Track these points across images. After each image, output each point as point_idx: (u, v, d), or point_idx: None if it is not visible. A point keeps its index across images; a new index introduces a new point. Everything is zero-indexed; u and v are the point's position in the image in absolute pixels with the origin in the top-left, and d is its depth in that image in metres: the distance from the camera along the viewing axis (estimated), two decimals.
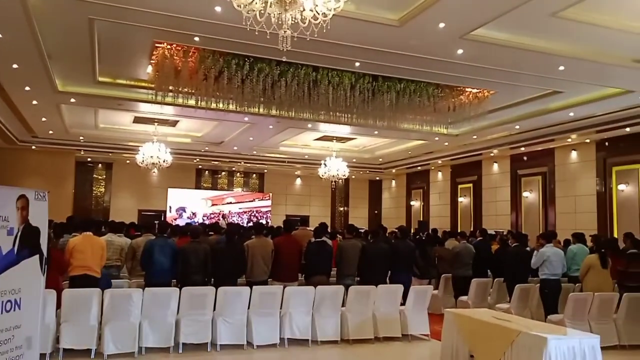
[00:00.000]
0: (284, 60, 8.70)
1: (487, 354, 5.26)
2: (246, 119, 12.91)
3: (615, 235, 11.98)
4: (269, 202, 21.70)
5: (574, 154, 14.52)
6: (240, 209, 21.37)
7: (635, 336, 7.32)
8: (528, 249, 9.07)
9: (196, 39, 7.95)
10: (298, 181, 22.80)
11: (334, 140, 16.56)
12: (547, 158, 15.28)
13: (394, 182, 23.33)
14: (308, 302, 6.96)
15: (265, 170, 21.67)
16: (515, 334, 4.93)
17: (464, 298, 9.05)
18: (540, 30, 7.44)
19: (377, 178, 23.66)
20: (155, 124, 14.06)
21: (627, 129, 12.23)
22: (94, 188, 19.74)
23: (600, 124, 12.23)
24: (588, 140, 13.83)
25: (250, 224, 18.00)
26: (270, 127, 13.99)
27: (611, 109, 11.21)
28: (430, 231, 14.01)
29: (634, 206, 12.86)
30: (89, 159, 19.08)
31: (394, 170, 21.58)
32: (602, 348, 4.84)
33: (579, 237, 9.19)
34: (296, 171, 21.67)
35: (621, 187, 13.20)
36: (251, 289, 6.73)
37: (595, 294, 7.31)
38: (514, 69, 8.89)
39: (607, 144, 13.53)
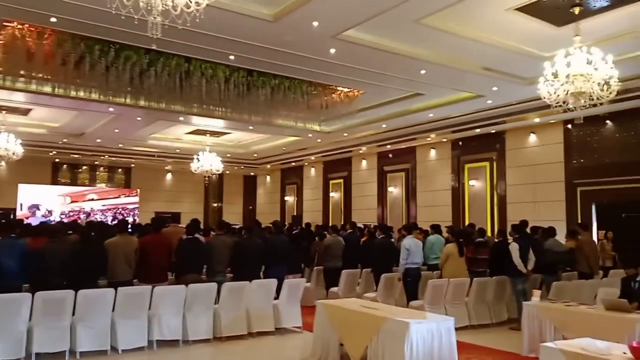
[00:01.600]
0: (153, 48, 8.28)
1: (356, 341, 5.51)
2: (111, 109, 12.07)
3: (466, 226, 13.23)
4: (136, 199, 20.57)
5: (432, 152, 15.77)
6: (104, 206, 19.99)
7: (483, 316, 8.18)
8: (393, 240, 9.67)
9: (53, 19, 7.23)
10: (169, 176, 21.91)
11: (208, 135, 16.17)
12: (409, 155, 16.42)
13: (268, 177, 23.45)
14: (179, 301, 6.71)
15: (133, 165, 20.50)
16: (381, 320, 5.22)
17: (334, 289, 9.38)
18: (404, 35, 7.93)
19: (252, 173, 23.60)
20: (4, 112, 12.60)
21: (477, 130, 13.58)
22: None
23: (455, 125, 13.42)
24: (445, 140, 15.11)
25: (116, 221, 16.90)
26: (138, 118, 13.25)
27: (464, 111, 12.35)
28: (304, 225, 14.31)
29: (482, 199, 14.34)
30: None
31: (268, 166, 21.68)
32: (456, 329, 5.31)
33: (436, 229, 10.00)
34: (167, 166, 20.79)
35: (472, 182, 14.64)
36: (116, 290, 6.32)
37: (450, 279, 8.01)
38: (381, 71, 9.39)
39: (460, 143, 14.90)
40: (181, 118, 13.32)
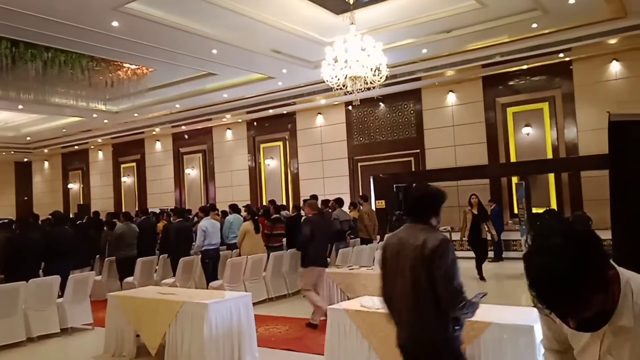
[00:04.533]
0: None
1: (153, 330, 5.30)
2: None
3: (265, 203, 13.72)
4: None
5: (229, 133, 15.85)
6: None
7: (279, 288, 8.60)
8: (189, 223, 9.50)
9: None
10: None
11: None
12: (206, 136, 16.25)
13: (46, 163, 20.88)
14: None
15: None
16: (179, 305, 5.11)
17: (129, 279, 8.85)
18: (192, 12, 7.74)
19: (26, 159, 20.75)
20: None
21: (270, 111, 14.07)
22: None
23: (249, 106, 13.70)
24: (240, 120, 15.32)
25: None
26: None
27: (257, 92, 12.67)
28: (92, 214, 13.16)
29: (278, 177, 14.98)
30: None
31: (46, 150, 19.30)
32: (255, 303, 5.47)
33: (234, 208, 10.13)
34: None
35: (267, 161, 15.16)
36: None
37: (248, 256, 8.22)
38: (170, 48, 9.04)
39: (255, 124, 15.27)
40: None
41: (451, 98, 12.35)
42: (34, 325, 6.45)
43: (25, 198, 20.92)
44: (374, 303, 4.34)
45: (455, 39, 9.59)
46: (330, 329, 4.50)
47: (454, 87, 12.25)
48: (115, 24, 7.77)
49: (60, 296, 6.86)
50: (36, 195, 21.17)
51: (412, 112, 12.87)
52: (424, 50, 10.18)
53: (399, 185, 12.56)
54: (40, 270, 7.35)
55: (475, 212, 8.94)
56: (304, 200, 9.64)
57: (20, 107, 12.82)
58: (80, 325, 6.98)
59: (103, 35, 8.23)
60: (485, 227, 9.00)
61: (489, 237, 9.22)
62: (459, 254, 2.87)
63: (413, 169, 12.81)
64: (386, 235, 2.86)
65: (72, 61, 9.53)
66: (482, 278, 8.68)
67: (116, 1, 7.05)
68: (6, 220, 9.58)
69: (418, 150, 12.72)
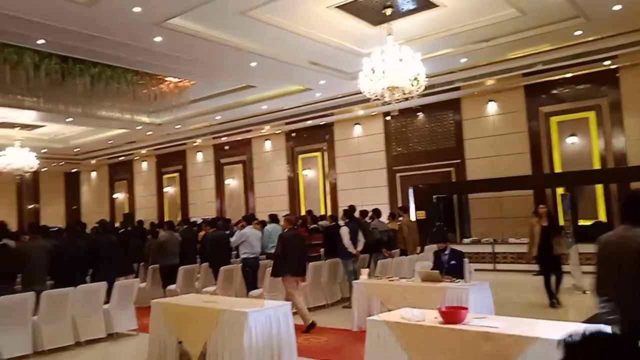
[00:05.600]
0: None
1: (195, 337, 5.40)
2: None
3: (303, 213, 13.78)
4: None
5: (268, 144, 16.05)
6: None
7: (318, 298, 8.58)
8: (228, 232, 9.64)
9: None
10: None
11: (17, 128, 14.33)
12: (245, 147, 16.51)
13: (94, 174, 21.64)
14: None
15: None
16: (220, 313, 5.18)
17: (172, 287, 9.05)
18: (232, 26, 7.92)
19: (74, 170, 21.54)
20: None
21: (309, 122, 14.18)
22: None
23: (288, 117, 13.85)
24: (279, 131, 15.49)
25: None
26: None
27: (296, 103, 12.80)
28: (136, 223, 13.54)
29: (316, 187, 15.05)
30: None
31: (93, 161, 20.01)
32: (294, 313, 5.50)
33: (273, 218, 10.21)
34: None
35: (305, 172, 15.26)
36: None
37: None
38: (211, 62, 9.26)
39: (293, 134, 15.41)
40: None
41: (492, 107, 12.15)
42: (81, 330, 6.68)
43: (74, 207, 21.72)
44: (414, 315, 4.30)
45: (494, 48, 9.46)
46: (369, 340, 4.47)
47: (494, 97, 12.05)
48: (158, 39, 8.03)
49: (106, 302, 7.07)
50: (84, 205, 21.95)
51: (451, 121, 12.72)
52: (463, 60, 10.08)
53: (439, 195, 12.41)
54: (88, 277, 7.61)
55: (544, 223, 7.67)
56: (343, 210, 9.64)
57: (69, 120, 13.37)
58: (125, 331, 7.18)
59: (147, 51, 8.51)
60: (558, 241, 7.65)
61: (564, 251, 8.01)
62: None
63: (453, 180, 12.63)
64: (604, 235, 3.05)
65: (117, 76, 9.90)
66: (556, 302, 7.52)
67: (159, 17, 7.29)
68: (56, 229, 9.96)
69: (458, 161, 12.54)
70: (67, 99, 10.34)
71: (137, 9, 6.90)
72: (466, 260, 6.50)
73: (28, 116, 12.83)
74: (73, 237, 7.85)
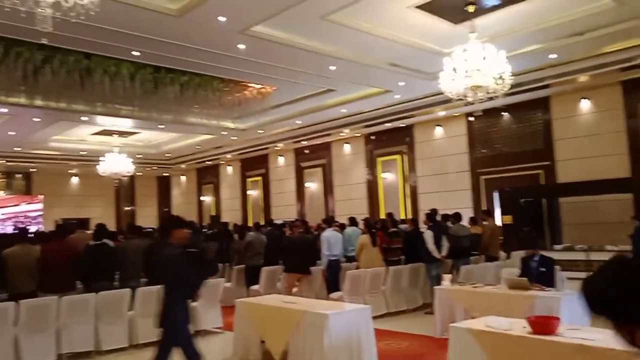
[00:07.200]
0: (48, 44, 7.75)
1: (277, 337, 5.51)
2: (4, 110, 11.15)
3: (383, 217, 13.65)
4: (39, 206, 19.20)
5: (347, 147, 16.09)
6: (2, 215, 18.46)
7: (399, 303, 8.48)
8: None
9: None
10: (75, 180, 20.66)
11: (115, 135, 15.41)
12: (325, 151, 16.65)
13: (183, 177, 22.80)
14: (88, 310, 6.37)
15: (33, 170, 19.09)
16: (301, 314, 5.26)
17: (255, 287, 9.31)
18: (312, 31, 8.01)
19: (166, 174, 22.83)
20: None
21: (388, 124, 14.04)
22: None
23: (367, 120, 13.79)
24: (358, 134, 15.48)
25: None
26: (36, 119, 12.33)
27: (375, 106, 12.72)
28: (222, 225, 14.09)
29: (396, 191, 14.87)
30: None
31: (183, 166, 21.08)
32: (374, 317, 5.46)
33: (352, 221, 10.23)
34: (71, 169, 19.58)
35: (385, 175, 15.13)
36: (17, 303, 5.87)
37: (367, 270, 8.23)
38: (292, 67, 9.43)
39: (373, 137, 15.34)
40: (84, 118, 12.57)
41: (585, 105, 11.38)
42: None
43: (165, 209, 22.99)
44: (501, 324, 4.12)
45: (588, 42, 8.84)
46: (452, 347, 4.34)
47: (587, 94, 11.28)
48: (241, 46, 8.31)
49: (194, 300, 7.39)
50: (175, 207, 23.17)
51: (540, 121, 12.07)
52: (553, 56, 9.52)
53: (527, 199, 11.82)
54: None
55: None
56: (427, 214, 9.43)
57: (160, 126, 14.19)
58: (211, 328, 7.48)
59: (231, 58, 8.83)
60: None
61: None
62: None
63: (542, 182, 11.97)
64: None
65: (205, 83, 10.36)
66: None
67: (243, 25, 7.54)
68: (150, 229, 10.59)
69: (548, 162, 11.86)
70: (159, 107, 10.98)
71: (222, 19, 7.19)
72: (557, 267, 6.15)
73: (124, 124, 13.77)
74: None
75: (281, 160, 18.22)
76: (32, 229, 16.64)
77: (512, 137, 12.46)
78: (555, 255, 6.74)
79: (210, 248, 9.75)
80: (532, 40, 8.85)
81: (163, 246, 4.63)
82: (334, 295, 8.18)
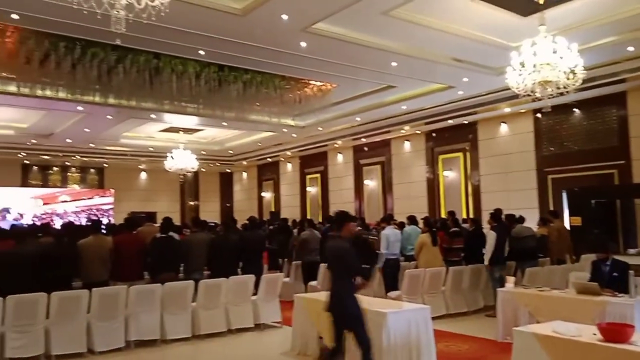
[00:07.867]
0: (119, 44, 8.14)
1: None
2: (80, 108, 11.82)
3: (443, 216, 13.38)
4: (110, 199, 20.23)
5: (407, 144, 15.87)
6: (77, 207, 19.60)
7: (459, 304, 8.28)
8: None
9: (14, 16, 7.04)
10: (143, 175, 21.60)
11: (181, 132, 15.99)
12: (384, 148, 16.50)
13: (245, 174, 23.31)
14: (155, 300, 6.65)
15: (106, 165, 20.15)
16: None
17: (313, 283, 9.38)
18: (373, 27, 7.95)
19: (228, 170, 23.43)
20: None
21: (450, 121, 13.72)
22: None
23: (428, 117, 13.52)
24: (419, 132, 15.23)
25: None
26: (109, 117, 13.01)
27: (436, 102, 12.45)
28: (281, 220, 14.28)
29: (457, 189, 14.51)
30: None
31: (244, 162, 21.55)
32: (434, 318, 5.37)
33: (412, 220, 10.08)
34: (140, 165, 20.50)
35: (446, 173, 14.80)
36: (91, 291, 6.22)
37: (426, 269, 8.09)
38: (352, 64, 9.40)
39: (434, 134, 15.04)
40: (153, 115, 13.13)
41: None
42: (232, 318, 7.22)
43: (228, 204, 23.62)
44: (569, 329, 3.94)
45: None
46: (516, 352, 4.19)
47: None
48: (303, 44, 8.37)
49: (254, 294, 7.57)
50: (236, 202, 23.75)
51: (614, 118, 11.39)
52: (630, 48, 8.95)
53: (598, 200, 11.21)
54: (239, 269, 8.20)
55: None
56: (491, 214, 9.14)
57: (224, 123, 14.56)
58: (270, 322, 7.61)
59: (293, 56, 8.92)
60: None
61: None
62: None
63: (616, 182, 11.30)
64: None
65: (266, 81, 10.54)
66: None
67: (305, 23, 7.60)
68: (213, 224, 10.92)
69: (623, 162, 11.17)
70: (222, 105, 11.27)
71: (284, 17, 7.27)
72: (631, 272, 5.81)
73: (190, 121, 14.25)
74: (227, 231, 8.52)
75: (340, 157, 18.23)
76: (104, 221, 17.59)
77: (583, 135, 11.84)
78: (629, 260, 6.37)
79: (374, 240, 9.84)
80: (608, 32, 8.36)
81: (333, 238, 4.99)
82: (392, 294, 8.10)
